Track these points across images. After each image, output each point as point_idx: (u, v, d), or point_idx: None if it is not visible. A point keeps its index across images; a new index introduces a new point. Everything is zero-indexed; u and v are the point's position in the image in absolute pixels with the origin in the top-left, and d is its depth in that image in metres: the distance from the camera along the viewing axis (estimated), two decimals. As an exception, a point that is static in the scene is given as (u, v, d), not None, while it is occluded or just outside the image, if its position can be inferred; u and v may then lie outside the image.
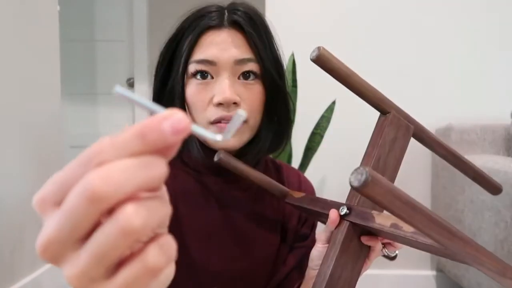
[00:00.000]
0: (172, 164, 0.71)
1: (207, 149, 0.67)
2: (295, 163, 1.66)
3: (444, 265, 1.70)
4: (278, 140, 0.71)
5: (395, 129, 0.60)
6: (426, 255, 1.87)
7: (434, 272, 1.86)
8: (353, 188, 0.31)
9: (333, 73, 0.56)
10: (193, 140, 0.66)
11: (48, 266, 1.71)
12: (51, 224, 0.21)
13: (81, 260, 0.21)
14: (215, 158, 0.62)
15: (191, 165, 0.69)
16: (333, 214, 0.57)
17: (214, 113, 0.62)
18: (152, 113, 0.25)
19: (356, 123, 1.63)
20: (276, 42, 0.69)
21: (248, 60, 0.63)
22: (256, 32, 0.65)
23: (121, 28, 3.01)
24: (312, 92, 1.71)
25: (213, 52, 0.62)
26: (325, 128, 1.60)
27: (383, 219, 0.50)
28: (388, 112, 0.61)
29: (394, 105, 0.61)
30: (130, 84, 3.02)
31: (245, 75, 0.64)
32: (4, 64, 1.45)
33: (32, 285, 1.58)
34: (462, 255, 0.38)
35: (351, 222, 0.55)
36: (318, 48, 0.54)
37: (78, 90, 2.99)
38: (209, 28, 0.63)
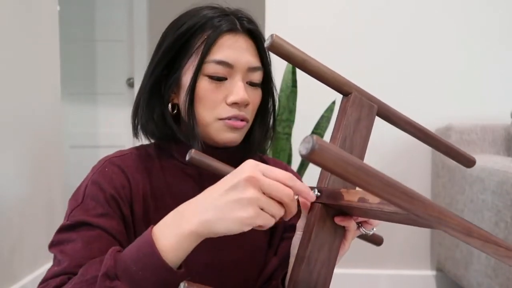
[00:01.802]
0: (161, 157, 0.72)
1: (209, 147, 0.70)
2: (295, 163, 1.66)
3: (444, 265, 1.70)
4: (268, 138, 0.78)
5: (358, 109, 0.61)
6: (425, 255, 1.88)
7: (434, 272, 1.86)
8: (302, 156, 0.32)
9: (289, 59, 0.58)
10: (196, 138, 0.68)
11: (48, 265, 1.71)
12: (253, 192, 0.49)
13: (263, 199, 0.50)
14: (187, 158, 0.62)
15: (180, 159, 0.72)
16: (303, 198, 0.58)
17: (228, 111, 0.67)
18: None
19: (356, 123, 1.63)
20: None
21: (258, 68, 0.70)
22: (263, 41, 0.71)
23: (121, 28, 3.01)
24: (312, 92, 1.70)
25: (232, 55, 0.67)
26: (325, 128, 1.60)
27: (351, 196, 0.51)
28: (350, 93, 0.62)
29: (355, 86, 0.62)
30: (130, 84, 3.02)
31: (252, 81, 0.70)
32: (4, 64, 1.46)
33: (32, 285, 1.58)
34: (426, 218, 0.38)
35: (323, 203, 0.56)
36: (271, 35, 0.56)
37: (78, 90, 2.99)
38: (227, 31, 0.67)
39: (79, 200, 0.64)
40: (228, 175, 0.52)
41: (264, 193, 0.50)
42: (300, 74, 1.58)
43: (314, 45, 1.93)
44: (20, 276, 1.53)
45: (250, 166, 0.51)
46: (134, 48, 2.98)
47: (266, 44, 0.56)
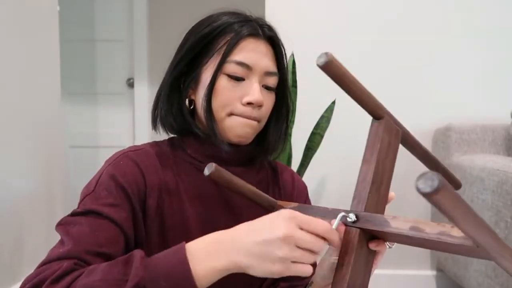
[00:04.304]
0: (175, 154, 0.74)
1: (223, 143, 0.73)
2: (295, 163, 1.66)
3: (444, 265, 1.70)
4: (281, 141, 0.81)
5: (388, 133, 0.62)
6: (426, 254, 1.88)
7: (434, 272, 1.86)
8: (422, 194, 0.30)
9: (338, 80, 0.55)
10: (216, 133, 0.71)
11: (48, 266, 1.71)
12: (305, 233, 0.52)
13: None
14: (206, 172, 0.64)
15: (194, 155, 0.75)
16: (340, 226, 0.58)
17: (241, 109, 0.71)
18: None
19: (355, 123, 1.63)
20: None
21: (274, 74, 0.74)
22: (282, 48, 0.76)
23: (121, 28, 3.00)
24: (312, 92, 1.71)
25: (252, 57, 0.71)
26: (325, 128, 1.60)
27: (399, 223, 0.51)
28: (382, 117, 0.62)
29: (386, 110, 0.63)
30: (130, 84, 3.01)
31: (267, 85, 0.74)
32: (4, 64, 1.46)
33: (32, 285, 1.57)
34: (493, 253, 0.38)
35: (360, 228, 0.55)
36: (326, 53, 0.51)
37: (78, 90, 2.99)
38: (250, 35, 0.71)
39: (91, 188, 0.65)
40: (266, 222, 0.53)
41: (298, 247, 0.51)
42: (300, 74, 1.58)
43: (314, 44, 1.93)
44: (20, 276, 1.53)
45: (286, 221, 0.51)
46: (134, 48, 2.97)
47: (318, 62, 0.52)
